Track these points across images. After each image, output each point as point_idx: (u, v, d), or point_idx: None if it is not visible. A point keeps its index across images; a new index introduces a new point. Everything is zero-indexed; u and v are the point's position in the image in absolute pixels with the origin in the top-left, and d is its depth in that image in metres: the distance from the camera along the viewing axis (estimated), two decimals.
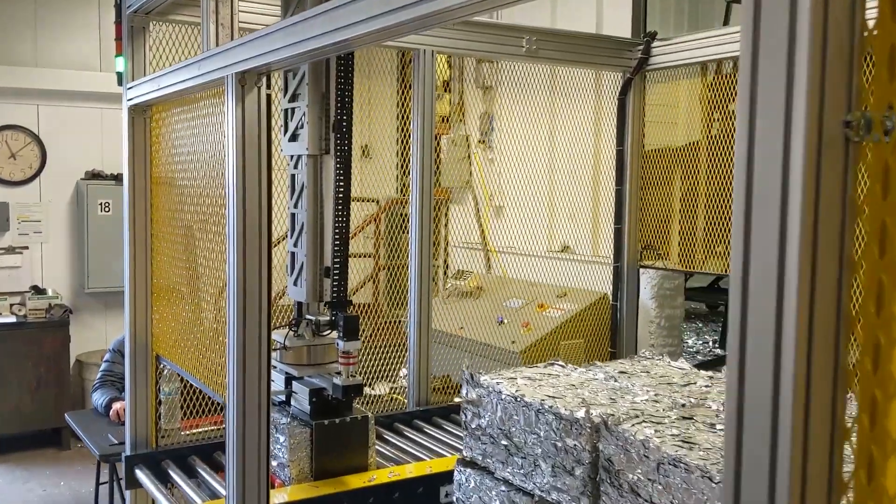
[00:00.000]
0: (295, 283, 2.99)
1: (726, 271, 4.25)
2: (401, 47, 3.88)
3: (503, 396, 2.11)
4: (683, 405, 2.03)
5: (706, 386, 2.23)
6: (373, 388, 4.48)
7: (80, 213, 6.41)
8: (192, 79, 2.56)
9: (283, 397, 2.98)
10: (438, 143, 6.10)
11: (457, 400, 2.37)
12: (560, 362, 2.48)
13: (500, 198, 5.92)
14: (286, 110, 3.04)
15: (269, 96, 2.28)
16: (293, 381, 2.95)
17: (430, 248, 4.04)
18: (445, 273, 6.35)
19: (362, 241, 6.82)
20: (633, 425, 1.82)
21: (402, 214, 7.26)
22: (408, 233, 7.17)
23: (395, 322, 5.69)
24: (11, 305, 6.07)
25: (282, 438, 2.84)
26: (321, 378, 2.90)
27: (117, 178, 6.17)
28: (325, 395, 2.85)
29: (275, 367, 2.99)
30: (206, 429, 3.45)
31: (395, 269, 6.77)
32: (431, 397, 3.90)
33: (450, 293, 5.63)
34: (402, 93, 6.48)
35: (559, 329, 4.67)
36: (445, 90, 6.34)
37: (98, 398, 4.26)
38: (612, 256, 4.45)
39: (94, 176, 6.41)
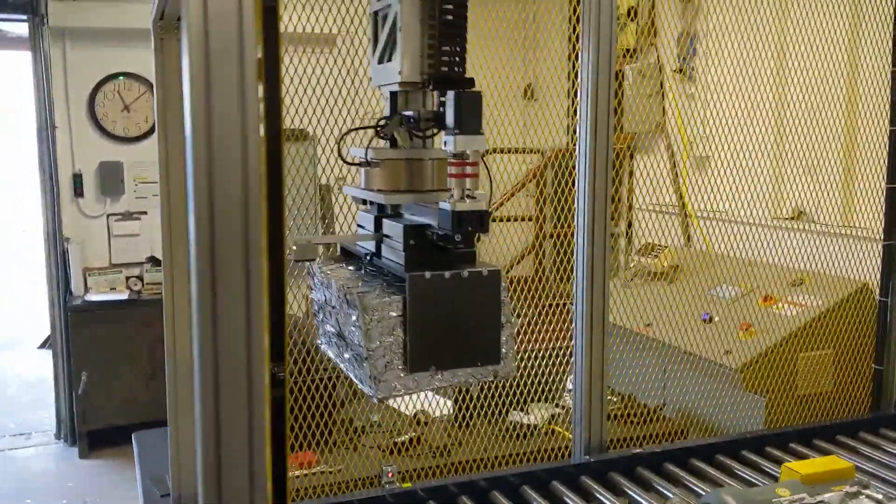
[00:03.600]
0: (381, 60, 1.83)
1: None
2: None
3: None
4: None
5: None
6: (527, 414, 3.29)
7: None
8: None
9: (371, 247, 1.89)
10: (620, 77, 4.72)
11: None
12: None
13: (705, 145, 4.47)
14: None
15: None
16: (384, 220, 1.86)
17: (607, 213, 2.76)
18: (629, 246, 5.00)
19: (523, 202, 5.58)
20: None
21: (573, 168, 5.96)
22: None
23: (565, 308, 4.46)
24: (128, 279, 5.37)
25: (353, 316, 1.73)
26: (427, 212, 1.79)
27: None
28: (428, 234, 1.74)
29: (363, 205, 1.92)
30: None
31: (564, 237, 5.51)
32: (608, 431, 2.67)
33: (634, 274, 4.30)
34: (575, 18, 5.14)
35: (797, 335, 3.25)
36: (630, 18, 4.93)
37: None
38: (879, 229, 3.04)
39: None
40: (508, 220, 5.49)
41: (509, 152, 4.82)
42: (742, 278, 3.75)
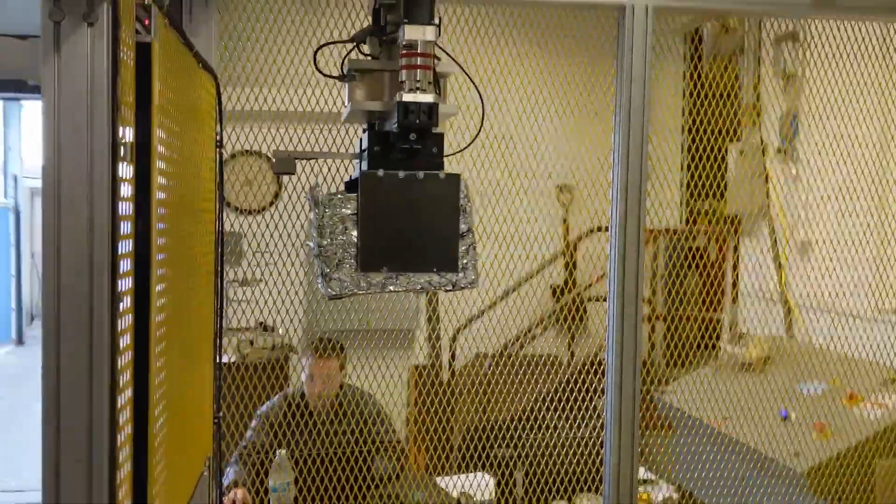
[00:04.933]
0: None
1: None
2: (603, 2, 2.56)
3: None
4: None
5: None
6: None
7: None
8: None
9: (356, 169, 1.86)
10: (723, 154, 4.53)
11: None
12: None
13: (807, 229, 4.20)
14: None
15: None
16: (364, 133, 1.82)
17: (638, 304, 2.68)
18: (731, 334, 4.72)
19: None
20: None
21: (687, 248, 5.73)
22: (696, 272, 5.61)
23: (648, 396, 4.25)
24: (239, 343, 5.64)
25: (312, 215, 1.79)
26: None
27: None
28: (390, 139, 1.70)
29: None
30: None
31: (676, 320, 5.27)
32: None
33: (722, 363, 4.03)
34: (692, 77, 5.00)
35: (876, 439, 2.92)
36: (734, 95, 4.72)
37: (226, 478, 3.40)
38: None
39: None
40: (598, 299, 5.34)
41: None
42: (832, 373, 3.44)
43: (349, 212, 1.79)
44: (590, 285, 5.06)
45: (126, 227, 1.21)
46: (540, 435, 4.75)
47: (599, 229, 4.96)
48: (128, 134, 1.23)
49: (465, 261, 1.91)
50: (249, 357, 5.50)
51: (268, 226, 5.87)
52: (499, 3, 2.74)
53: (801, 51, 4.10)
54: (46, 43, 1.15)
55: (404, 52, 1.61)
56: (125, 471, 1.23)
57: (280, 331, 5.79)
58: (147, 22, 1.25)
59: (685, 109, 4.92)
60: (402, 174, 1.65)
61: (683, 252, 5.51)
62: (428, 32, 1.61)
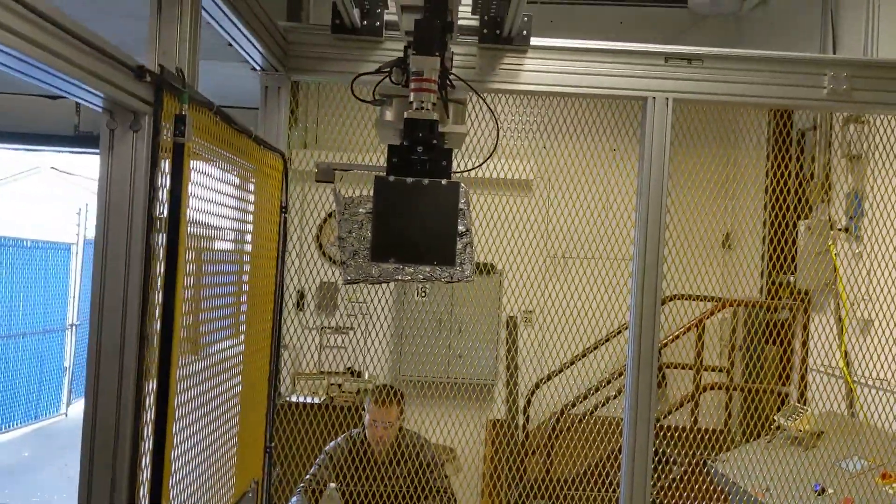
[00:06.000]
0: None
1: None
2: (621, 95, 2.82)
3: None
4: None
5: None
6: None
7: (399, 294, 6.25)
8: None
9: None
10: (789, 230, 4.62)
11: None
12: None
13: (870, 307, 4.22)
14: None
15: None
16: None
17: (653, 378, 2.85)
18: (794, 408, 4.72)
19: (716, 349, 5.51)
20: None
21: (767, 322, 5.74)
22: (774, 345, 5.62)
23: (705, 470, 4.32)
24: (329, 385, 6.06)
25: (336, 214, 2.19)
26: None
27: None
28: (405, 151, 1.96)
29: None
30: None
31: (753, 392, 5.30)
32: None
33: (779, 435, 4.07)
34: (775, 164, 5.11)
35: None
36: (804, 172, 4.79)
37: None
38: None
39: None
40: (681, 367, 5.43)
41: (696, 299, 4.89)
42: (877, 452, 3.46)
43: (365, 211, 2.13)
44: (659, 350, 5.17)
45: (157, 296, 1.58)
46: (602, 491, 4.89)
47: (675, 298, 5.11)
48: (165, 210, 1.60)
49: (462, 257, 2.24)
50: (336, 399, 5.90)
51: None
52: (544, 94, 3.01)
53: (866, 133, 4.18)
54: (104, 144, 1.55)
55: (413, 77, 1.92)
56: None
57: (366, 376, 6.18)
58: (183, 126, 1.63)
59: (767, 188, 5.04)
60: (409, 180, 1.93)
61: (762, 324, 5.55)
62: (431, 62, 1.90)
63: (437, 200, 1.95)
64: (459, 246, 2.16)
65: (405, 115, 1.90)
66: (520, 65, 2.74)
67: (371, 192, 2.13)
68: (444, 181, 1.94)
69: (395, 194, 1.93)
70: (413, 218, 1.94)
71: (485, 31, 2.67)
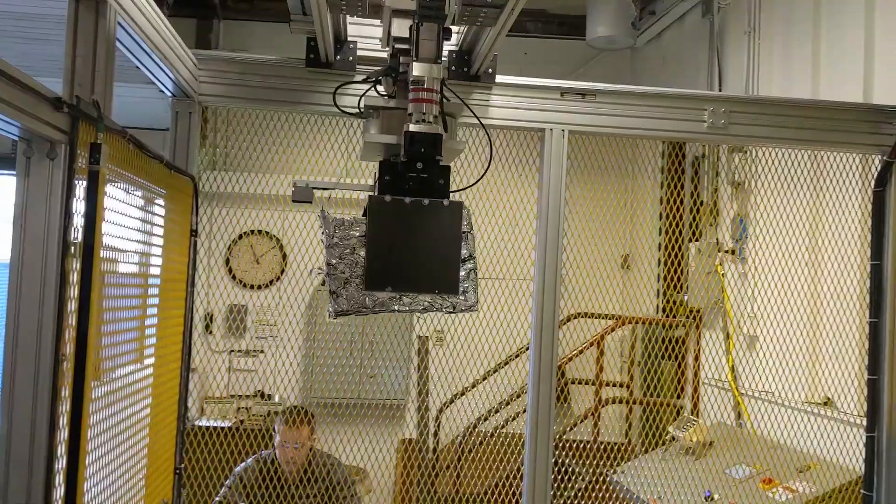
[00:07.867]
0: None
1: None
2: (523, 127, 2.99)
3: None
4: None
5: None
6: None
7: (310, 316, 6.29)
8: None
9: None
10: (682, 252, 4.90)
11: None
12: None
13: (754, 325, 4.52)
14: None
15: None
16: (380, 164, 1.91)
17: (552, 385, 2.98)
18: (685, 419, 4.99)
19: (616, 364, 5.76)
20: None
21: (663, 339, 6.03)
22: (670, 361, 5.90)
23: (605, 483, 4.52)
24: (238, 409, 6.03)
25: (323, 236, 1.89)
26: None
27: None
28: (399, 168, 1.76)
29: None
30: None
31: (652, 406, 5.56)
32: None
33: (673, 446, 4.31)
34: (669, 190, 5.41)
35: None
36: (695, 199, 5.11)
37: None
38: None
39: None
40: (583, 382, 5.64)
41: (596, 317, 5.09)
42: (760, 459, 3.72)
43: (358, 234, 1.90)
44: (561, 366, 5.37)
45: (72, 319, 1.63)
46: None
47: (577, 316, 5.32)
48: (79, 236, 1.66)
49: (465, 284, 2.04)
50: (246, 423, 5.88)
51: (273, 298, 6.34)
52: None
53: (748, 162, 4.50)
54: (20, 171, 1.60)
55: (413, 87, 1.75)
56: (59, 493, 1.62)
57: (276, 398, 6.18)
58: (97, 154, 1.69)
59: (661, 213, 5.33)
60: (407, 200, 1.73)
61: (659, 340, 5.83)
62: (434, 70, 1.75)
63: (439, 222, 1.76)
64: (462, 272, 1.94)
65: (407, 127, 1.72)
66: None
67: (355, 216, 1.96)
68: (445, 201, 1.77)
69: (391, 216, 1.73)
70: (412, 242, 1.75)
71: None
